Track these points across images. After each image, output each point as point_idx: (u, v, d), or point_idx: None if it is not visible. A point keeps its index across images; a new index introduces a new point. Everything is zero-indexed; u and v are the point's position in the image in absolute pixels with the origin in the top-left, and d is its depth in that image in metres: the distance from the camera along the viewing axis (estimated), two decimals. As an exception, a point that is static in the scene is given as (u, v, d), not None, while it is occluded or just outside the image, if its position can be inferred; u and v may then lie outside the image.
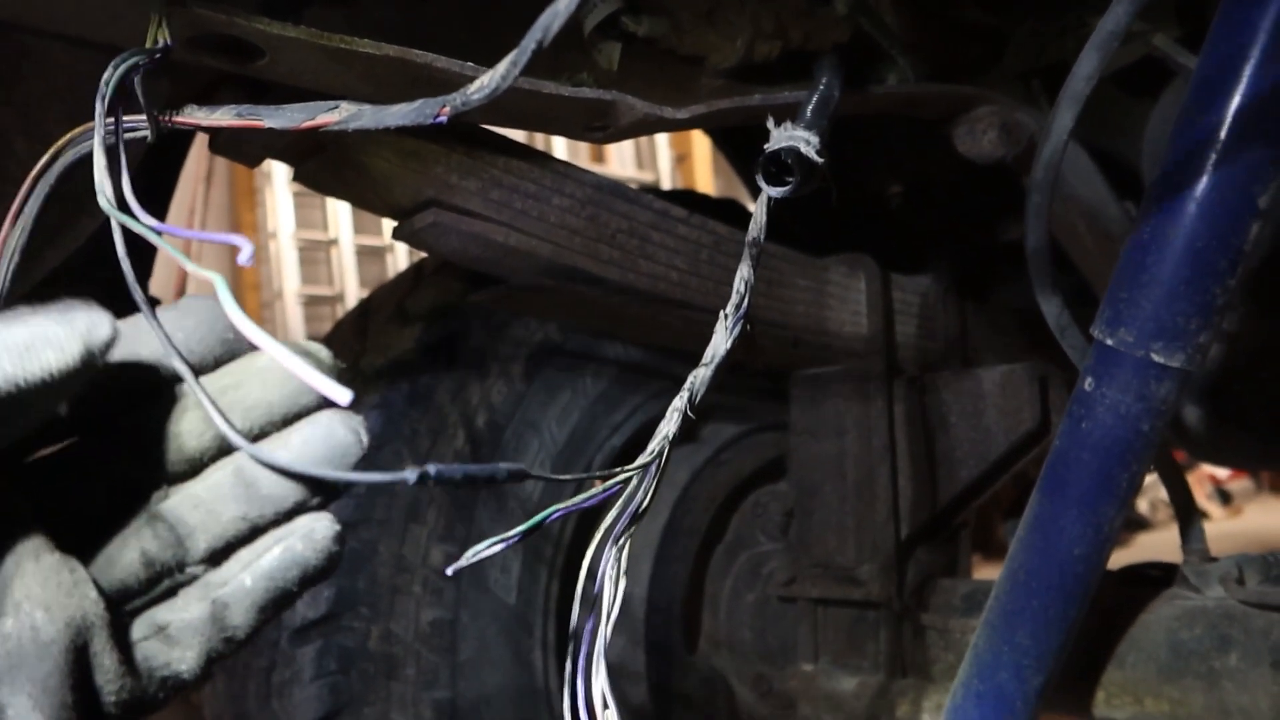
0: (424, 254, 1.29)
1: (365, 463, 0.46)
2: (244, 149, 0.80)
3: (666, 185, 6.18)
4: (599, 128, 0.82)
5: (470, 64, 0.68)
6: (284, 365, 0.41)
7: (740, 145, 1.79)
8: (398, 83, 0.68)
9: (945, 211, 1.66)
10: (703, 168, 6.28)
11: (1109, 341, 0.79)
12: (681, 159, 6.33)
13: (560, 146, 4.64)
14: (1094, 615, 0.88)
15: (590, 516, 1.35)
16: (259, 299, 4.93)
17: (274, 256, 4.89)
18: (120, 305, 0.45)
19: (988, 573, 1.62)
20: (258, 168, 0.90)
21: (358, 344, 1.28)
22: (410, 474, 0.44)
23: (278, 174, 4.85)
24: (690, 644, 1.38)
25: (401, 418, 1.15)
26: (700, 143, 6.08)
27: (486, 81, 0.48)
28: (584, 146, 5.40)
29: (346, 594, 1.09)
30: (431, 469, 0.44)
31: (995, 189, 1.47)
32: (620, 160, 6.12)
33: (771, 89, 0.99)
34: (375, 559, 1.11)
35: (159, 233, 0.45)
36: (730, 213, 1.39)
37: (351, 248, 4.93)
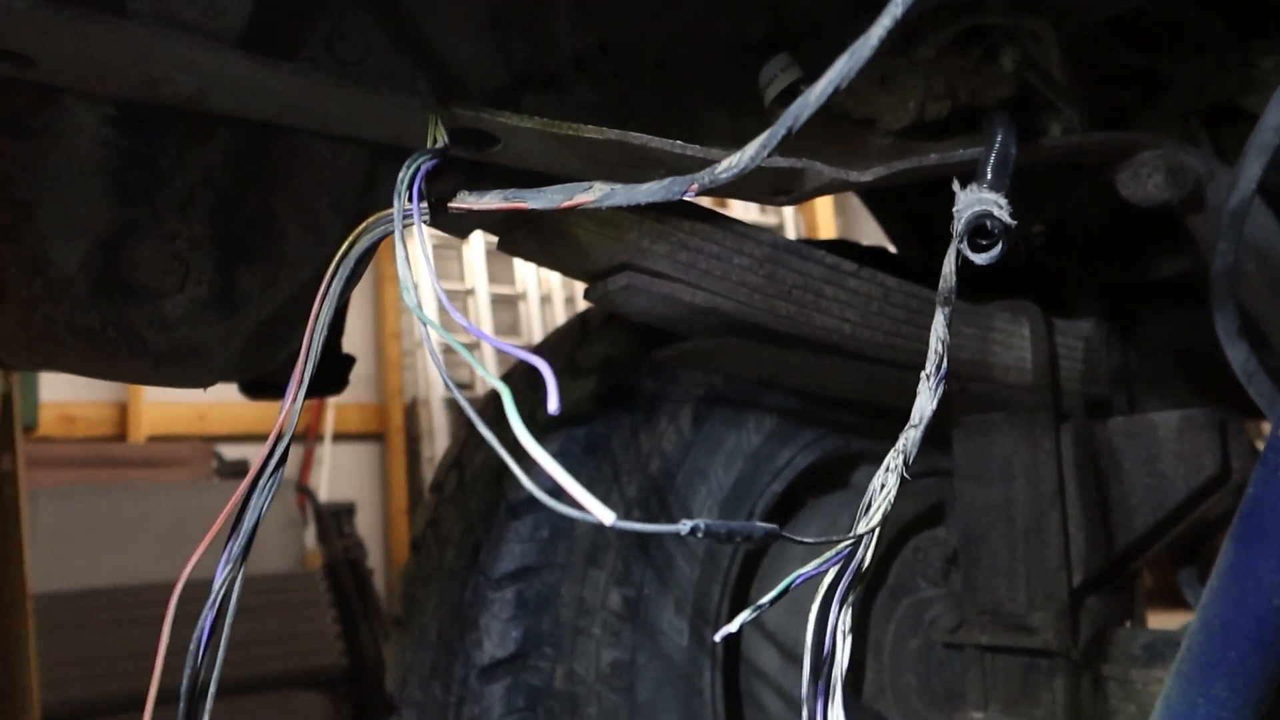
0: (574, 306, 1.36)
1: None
2: (461, 223, 0.88)
3: (790, 226, 6.19)
4: (785, 192, 0.87)
5: (679, 143, 0.74)
6: (562, 483, 0.45)
7: (881, 195, 1.81)
8: (613, 161, 0.74)
9: (1089, 250, 1.64)
10: (824, 209, 6.27)
11: (1308, 388, 0.78)
12: (803, 201, 6.33)
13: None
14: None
15: (749, 570, 1.38)
16: (400, 347, 5.14)
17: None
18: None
19: (1155, 621, 1.57)
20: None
21: (531, 395, 1.35)
22: (684, 526, 0.49)
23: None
24: (855, 690, 1.38)
25: (580, 466, 1.21)
26: (822, 184, 6.05)
27: (735, 162, 0.53)
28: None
29: (532, 635, 1.15)
30: (702, 524, 0.49)
31: (1142, 226, 1.44)
32: (744, 203, 6.16)
33: (938, 145, 1.02)
34: (558, 601, 1.17)
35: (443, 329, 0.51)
36: (882, 260, 1.42)
37: (487, 297, 5.10)
